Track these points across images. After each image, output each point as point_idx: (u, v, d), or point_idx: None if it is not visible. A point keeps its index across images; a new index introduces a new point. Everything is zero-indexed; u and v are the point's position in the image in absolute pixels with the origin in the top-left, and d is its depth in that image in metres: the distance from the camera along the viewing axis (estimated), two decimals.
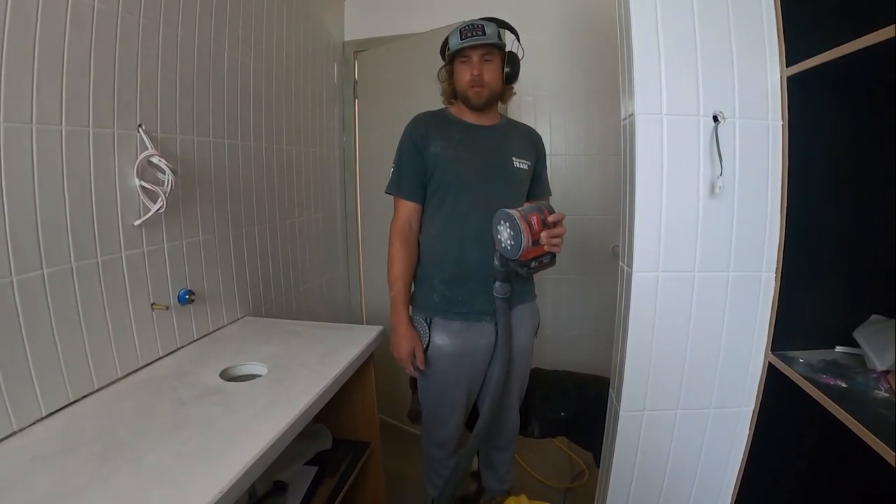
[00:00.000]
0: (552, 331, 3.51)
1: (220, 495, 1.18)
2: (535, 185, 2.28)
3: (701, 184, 1.61)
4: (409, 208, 2.17)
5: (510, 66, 2.14)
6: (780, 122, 1.59)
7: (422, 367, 2.17)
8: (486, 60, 2.09)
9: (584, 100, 3.35)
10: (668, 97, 1.59)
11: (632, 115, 1.62)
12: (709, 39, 1.57)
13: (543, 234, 1.73)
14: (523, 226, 1.69)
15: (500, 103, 2.24)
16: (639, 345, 1.70)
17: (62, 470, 1.29)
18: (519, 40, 2.21)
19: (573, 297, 3.57)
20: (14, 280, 1.44)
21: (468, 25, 2.06)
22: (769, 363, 1.67)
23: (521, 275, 1.86)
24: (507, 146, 2.17)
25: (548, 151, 2.39)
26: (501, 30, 2.15)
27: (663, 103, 1.59)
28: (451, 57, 2.15)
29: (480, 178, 2.11)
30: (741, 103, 1.59)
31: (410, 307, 2.24)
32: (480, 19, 2.08)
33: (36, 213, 1.49)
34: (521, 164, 2.16)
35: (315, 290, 3.29)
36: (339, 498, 2.00)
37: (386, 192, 2.22)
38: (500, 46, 2.10)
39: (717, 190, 1.58)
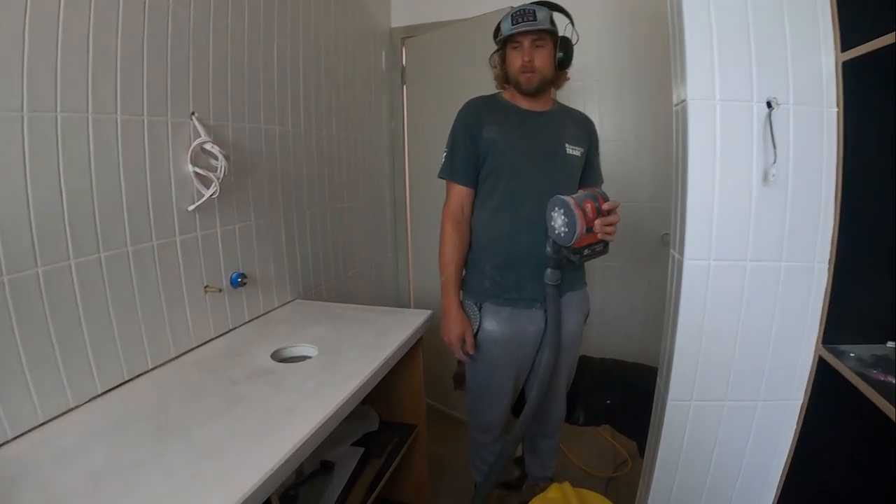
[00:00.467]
0: (600, 319, 3.47)
1: (272, 472, 1.21)
2: (587, 173, 2.25)
3: (754, 171, 1.56)
4: (461, 193, 2.17)
5: (563, 51, 2.09)
6: (835, 109, 1.53)
7: (471, 352, 2.17)
8: (538, 46, 2.05)
9: (634, 85, 3.29)
10: (721, 83, 1.54)
11: (684, 100, 1.58)
12: (762, 23, 1.52)
13: (597, 221, 1.72)
14: (578, 213, 1.69)
15: (553, 89, 2.21)
16: (688, 333, 1.67)
17: (118, 444, 1.35)
18: (573, 24, 2.17)
19: (622, 286, 3.53)
20: (73, 263, 1.50)
21: (519, 10, 2.03)
22: (819, 356, 1.62)
23: (572, 262, 1.86)
24: (561, 132, 2.14)
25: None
26: (556, 13, 2.12)
27: (716, 89, 1.54)
28: (502, 42, 2.13)
29: (532, 164, 2.09)
30: (795, 89, 1.53)
31: (461, 292, 2.25)
32: (532, 4, 2.05)
33: (93, 199, 1.55)
34: (573, 150, 2.13)
35: (363, 274, 3.33)
36: (384, 479, 2.03)
37: (439, 177, 2.22)
38: (551, 32, 2.06)
39: (770, 178, 1.53)
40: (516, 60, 2.07)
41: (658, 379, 1.86)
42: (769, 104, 1.52)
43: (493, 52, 2.23)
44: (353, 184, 3.18)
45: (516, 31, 2.02)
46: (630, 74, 3.30)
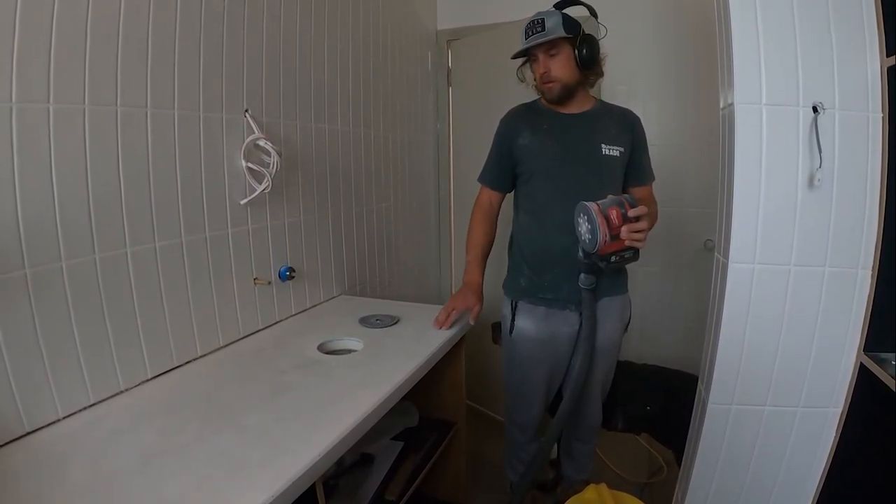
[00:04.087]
0: (641, 324, 3.38)
1: (318, 458, 1.24)
2: (634, 171, 2.20)
3: (800, 175, 1.53)
4: (491, 193, 2.27)
5: (584, 49, 2.01)
6: (881, 115, 1.49)
7: (471, 322, 2.19)
8: (553, 55, 2.02)
9: (678, 89, 3.25)
10: (768, 87, 1.52)
11: (731, 104, 1.56)
12: (807, 28, 1.49)
13: (624, 228, 1.71)
14: (600, 220, 1.69)
15: (589, 88, 2.18)
16: (731, 337, 1.64)
17: (167, 427, 1.39)
18: (596, 17, 2.15)
19: (664, 292, 3.47)
20: (129, 252, 1.56)
21: (529, 23, 2.02)
22: (861, 363, 1.58)
23: (601, 268, 1.86)
24: (597, 133, 2.10)
25: None
26: (580, 6, 2.11)
27: (763, 93, 1.52)
28: (523, 57, 2.16)
29: (567, 167, 2.08)
30: (841, 94, 1.50)
31: (503, 289, 2.30)
32: (543, 12, 2.02)
33: (150, 190, 1.62)
34: (611, 150, 2.09)
35: (407, 272, 3.36)
36: (423, 474, 2.04)
37: (477, 181, 2.31)
38: (565, 37, 2.00)
39: (816, 182, 1.50)
40: (535, 73, 2.09)
41: (699, 382, 1.84)
42: (815, 109, 1.50)
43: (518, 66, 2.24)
44: (399, 183, 3.22)
45: (528, 45, 2.03)
46: (675, 77, 3.25)
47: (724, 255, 1.64)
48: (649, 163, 2.26)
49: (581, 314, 2.07)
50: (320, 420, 1.40)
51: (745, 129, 1.55)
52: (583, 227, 1.77)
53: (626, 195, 1.81)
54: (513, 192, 2.29)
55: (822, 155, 1.50)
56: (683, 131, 3.27)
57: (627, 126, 2.17)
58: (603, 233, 1.69)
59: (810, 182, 1.53)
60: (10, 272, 1.28)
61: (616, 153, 2.11)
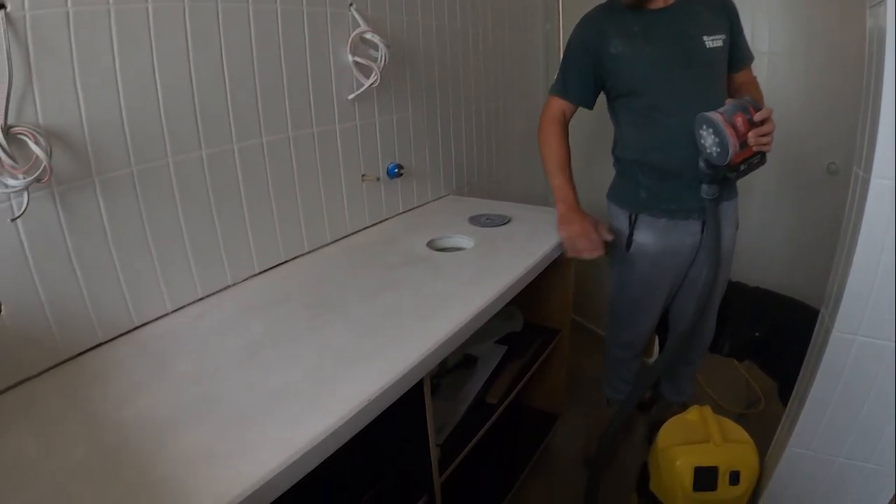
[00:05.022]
0: (753, 245, 3.10)
1: (429, 352, 1.24)
2: (734, 56, 1.96)
3: None
4: (564, 105, 2.06)
5: None
6: None
7: (609, 238, 1.98)
8: None
9: None
10: None
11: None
12: None
13: (751, 134, 1.58)
14: (729, 131, 1.56)
15: None
16: (865, 260, 1.45)
17: (275, 319, 1.42)
18: None
19: (780, 214, 3.10)
20: (235, 147, 1.57)
21: None
22: None
23: (730, 178, 1.74)
24: (695, 24, 1.87)
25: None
26: None
27: None
28: None
29: (670, 72, 1.87)
30: None
31: (610, 202, 2.17)
32: None
33: (255, 85, 1.61)
34: (714, 41, 1.87)
35: (512, 177, 3.27)
36: (525, 379, 2.01)
37: (549, 92, 2.10)
38: None
39: None
40: None
41: (823, 308, 1.69)
42: None
43: None
44: (507, 84, 3.08)
45: None
46: None
47: (866, 170, 1.45)
48: (745, 41, 2.02)
49: (703, 222, 1.97)
50: (430, 315, 1.40)
51: None
52: (708, 140, 1.64)
53: (746, 97, 1.66)
54: (606, 103, 2.10)
55: None
56: (800, 38, 2.79)
57: (720, 7, 1.93)
58: (733, 144, 1.56)
59: None
60: (117, 170, 1.31)
61: (719, 42, 1.88)
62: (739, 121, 1.57)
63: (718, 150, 1.62)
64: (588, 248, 1.91)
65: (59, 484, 0.90)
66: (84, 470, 0.93)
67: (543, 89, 3.53)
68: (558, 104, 2.06)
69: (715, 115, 1.60)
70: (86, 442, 1.00)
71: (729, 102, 1.64)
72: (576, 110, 2.09)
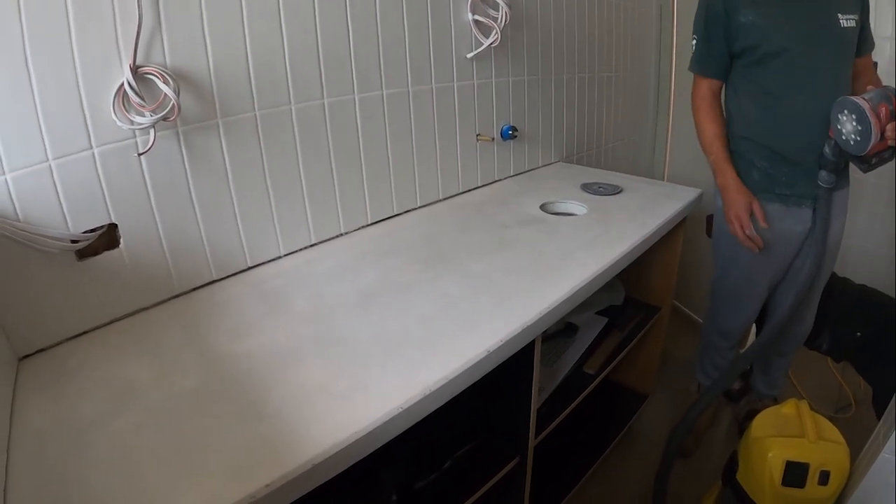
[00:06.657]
0: (862, 241, 2.89)
1: (546, 312, 1.23)
2: (859, 39, 1.82)
3: None
4: (713, 84, 1.95)
5: None
6: None
7: (764, 224, 1.89)
8: None
9: None
10: None
11: None
12: None
13: (889, 126, 1.48)
14: (874, 121, 1.46)
15: None
16: None
17: (388, 268, 1.44)
18: None
19: (890, 210, 2.80)
20: (356, 98, 1.59)
21: None
22: None
23: (862, 170, 1.63)
24: (830, 0, 1.74)
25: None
26: None
27: None
28: None
29: (803, 47, 1.74)
30: None
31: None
32: None
33: (378, 40, 1.62)
34: (848, 21, 1.73)
35: (621, 148, 3.19)
36: (624, 353, 1.97)
37: (690, 70, 1.99)
38: None
39: None
40: None
41: None
42: None
43: None
44: (621, 53, 2.98)
45: None
46: None
47: None
48: (870, 27, 1.89)
49: (815, 210, 1.86)
50: (546, 276, 1.38)
51: None
52: (847, 127, 1.54)
53: (889, 87, 1.55)
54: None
55: None
56: None
57: None
58: (875, 134, 1.47)
59: None
60: (240, 113, 1.34)
61: (853, 23, 1.75)
62: (883, 111, 1.48)
63: (858, 138, 1.53)
64: (746, 227, 1.89)
65: (170, 409, 0.94)
66: (195, 397, 0.97)
67: (656, 60, 3.43)
68: (704, 83, 1.97)
69: (861, 102, 1.50)
70: (198, 371, 1.04)
71: (871, 90, 1.54)
72: (723, 83, 1.98)
